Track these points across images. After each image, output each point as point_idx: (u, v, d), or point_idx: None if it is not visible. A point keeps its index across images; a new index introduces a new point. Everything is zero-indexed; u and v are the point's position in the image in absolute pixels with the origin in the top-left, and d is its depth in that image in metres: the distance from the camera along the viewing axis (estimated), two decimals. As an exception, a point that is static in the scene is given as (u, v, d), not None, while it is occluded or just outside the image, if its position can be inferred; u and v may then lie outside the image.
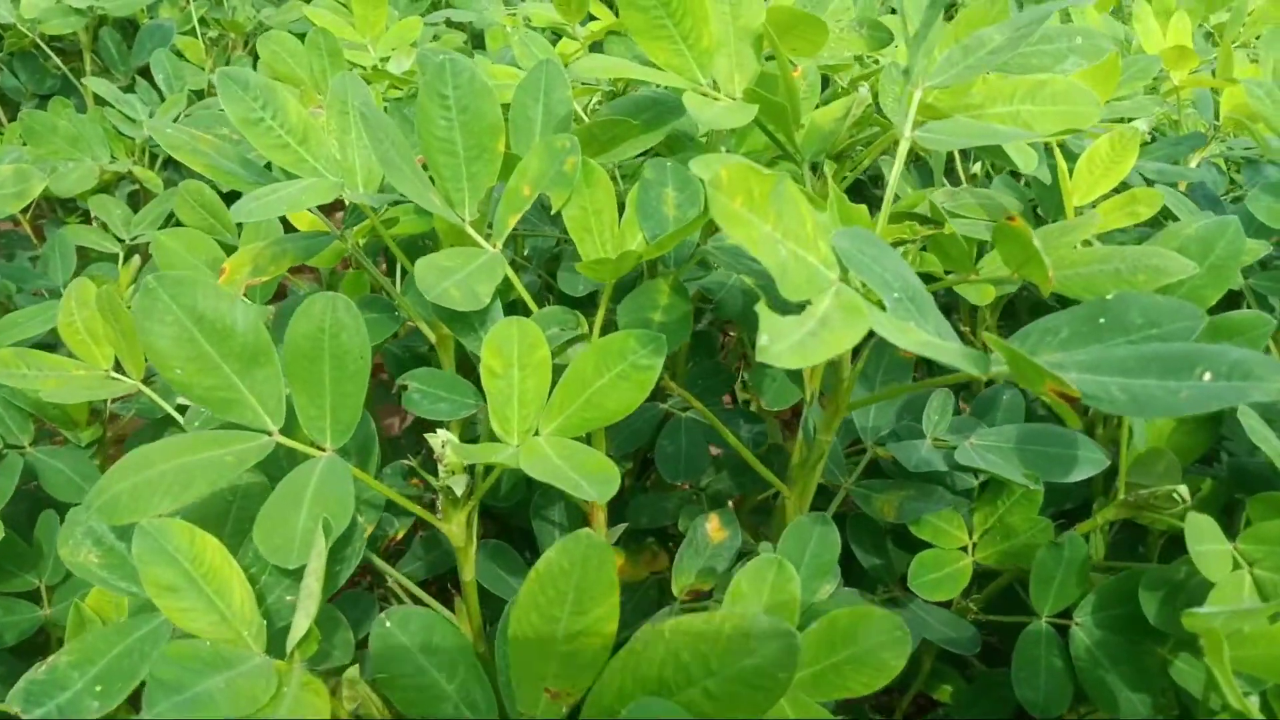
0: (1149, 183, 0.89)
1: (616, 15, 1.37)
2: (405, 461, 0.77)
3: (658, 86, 0.73)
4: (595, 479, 0.45)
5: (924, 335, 0.42)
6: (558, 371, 0.52)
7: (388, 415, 1.25)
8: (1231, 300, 0.83)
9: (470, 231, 0.58)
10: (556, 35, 1.04)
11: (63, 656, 0.43)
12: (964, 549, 0.67)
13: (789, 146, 0.68)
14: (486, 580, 0.68)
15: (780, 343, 0.37)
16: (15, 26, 1.39)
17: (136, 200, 1.34)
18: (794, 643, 0.36)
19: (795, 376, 0.72)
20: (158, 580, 0.41)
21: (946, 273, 0.67)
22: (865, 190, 0.96)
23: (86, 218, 1.37)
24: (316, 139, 0.63)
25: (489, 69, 0.85)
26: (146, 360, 0.69)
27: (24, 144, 1.34)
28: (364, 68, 1.25)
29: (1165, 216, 0.84)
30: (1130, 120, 1.03)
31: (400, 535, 0.77)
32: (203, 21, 1.55)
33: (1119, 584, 0.61)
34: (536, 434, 0.51)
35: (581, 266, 0.56)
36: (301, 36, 1.66)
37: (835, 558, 0.56)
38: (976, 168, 1.05)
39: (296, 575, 0.45)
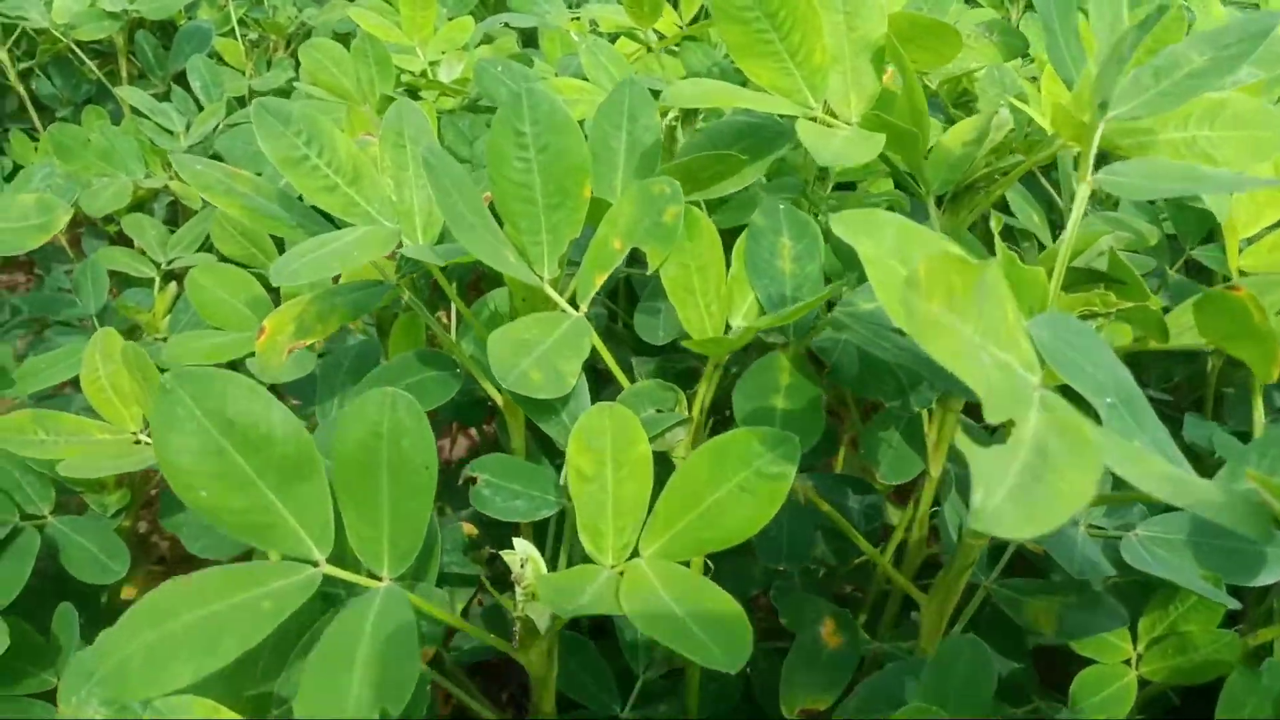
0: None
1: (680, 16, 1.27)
2: (465, 526, 0.69)
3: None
4: (724, 636, 0.35)
5: (1164, 466, 0.32)
6: (659, 469, 0.43)
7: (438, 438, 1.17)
8: None
9: (550, 292, 0.48)
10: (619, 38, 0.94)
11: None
12: (1127, 662, 0.56)
13: (915, 178, 0.58)
14: (564, 686, 0.59)
15: (995, 495, 0.27)
16: (49, 31, 1.32)
17: (176, 215, 1.27)
18: None
19: (917, 442, 0.62)
20: (174, 782, 0.32)
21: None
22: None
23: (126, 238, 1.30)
24: (369, 178, 0.54)
25: (555, 84, 0.76)
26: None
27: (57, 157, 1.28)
28: (412, 73, 1.16)
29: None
30: None
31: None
32: (242, 22, 1.47)
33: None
34: (636, 553, 0.42)
35: (690, 344, 0.46)
36: (346, 38, 1.59)
37: (990, 694, 0.46)
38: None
39: None
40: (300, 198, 0.56)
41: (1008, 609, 0.57)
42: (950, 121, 0.67)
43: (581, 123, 0.74)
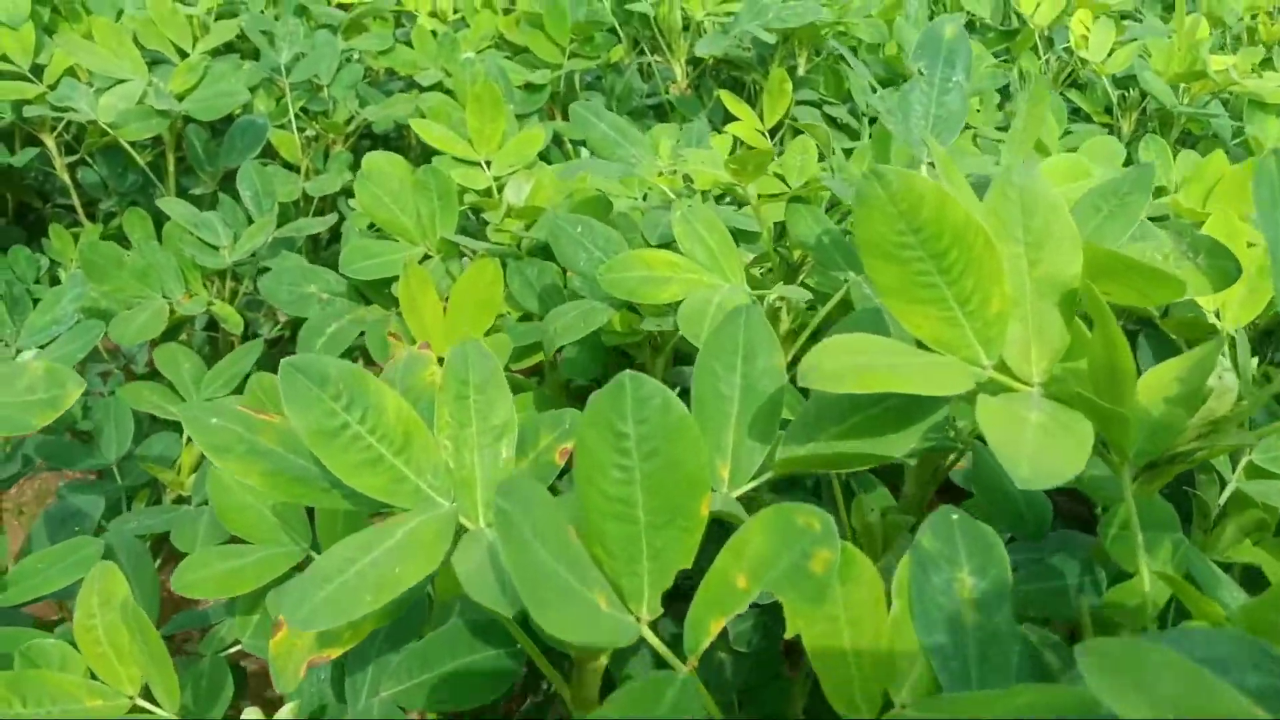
0: None
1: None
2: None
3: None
4: None
5: None
6: None
7: None
8: None
9: (651, 638, 0.37)
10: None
11: None
12: None
13: (1115, 450, 0.45)
14: None
15: None
16: (96, 123, 1.24)
17: (217, 342, 1.18)
18: None
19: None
20: None
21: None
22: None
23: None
24: (421, 441, 0.43)
25: (647, 258, 0.65)
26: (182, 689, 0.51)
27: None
28: (476, 191, 1.07)
29: None
30: None
31: None
32: (301, 114, 1.39)
33: None
34: None
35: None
36: (402, 145, 1.50)
37: None
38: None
39: None
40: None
41: None
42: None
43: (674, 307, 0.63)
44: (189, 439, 0.91)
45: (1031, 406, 0.42)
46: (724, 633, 0.54)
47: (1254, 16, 2.06)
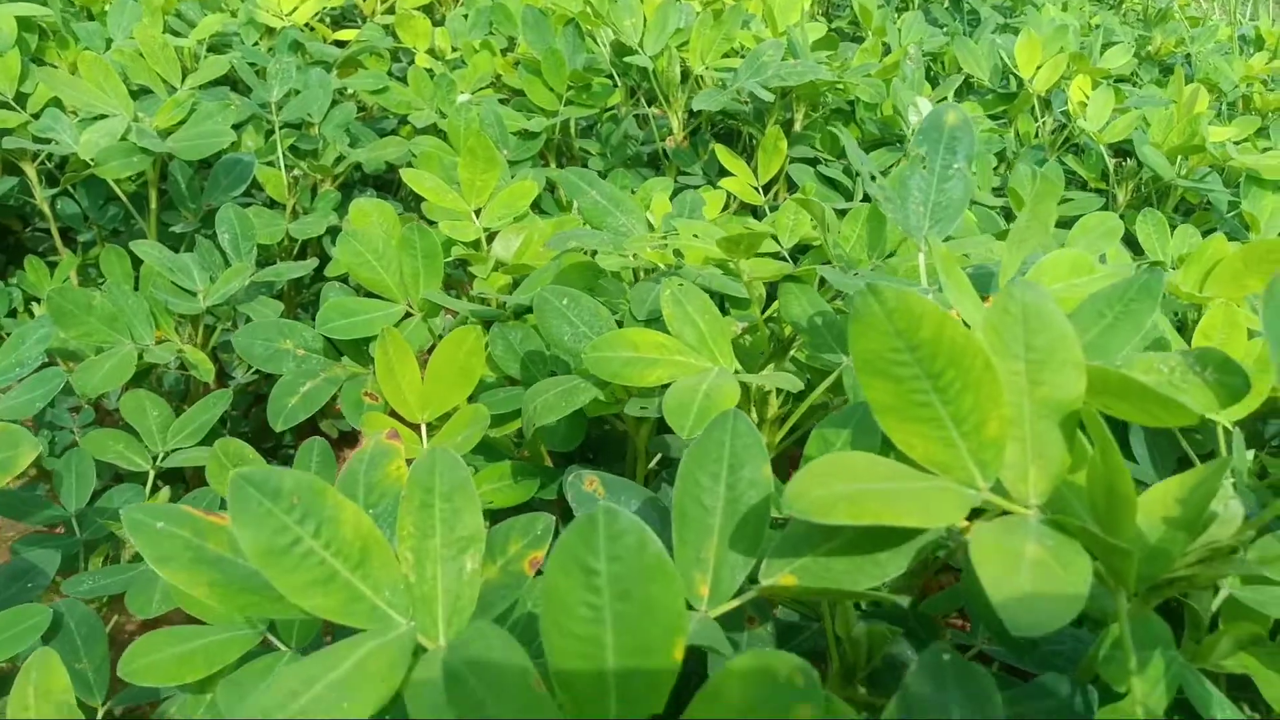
0: None
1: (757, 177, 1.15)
2: None
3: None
4: None
5: None
6: None
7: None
8: None
9: (615, 793, 0.34)
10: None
11: None
12: None
13: (1117, 580, 0.43)
14: None
15: None
16: (76, 156, 1.22)
17: (188, 388, 1.15)
18: None
19: None
20: None
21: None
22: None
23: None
24: (380, 557, 0.40)
25: (632, 337, 0.63)
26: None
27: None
28: (463, 244, 1.04)
29: None
30: None
31: None
32: (292, 149, 1.37)
33: None
34: None
35: None
36: (393, 186, 1.48)
37: None
38: None
39: None
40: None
41: None
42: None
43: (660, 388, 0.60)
44: (153, 489, 0.88)
45: (1028, 536, 0.40)
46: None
47: (1249, 85, 2.07)
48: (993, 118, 1.72)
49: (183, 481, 1.08)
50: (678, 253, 0.78)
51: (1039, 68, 1.62)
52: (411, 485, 0.41)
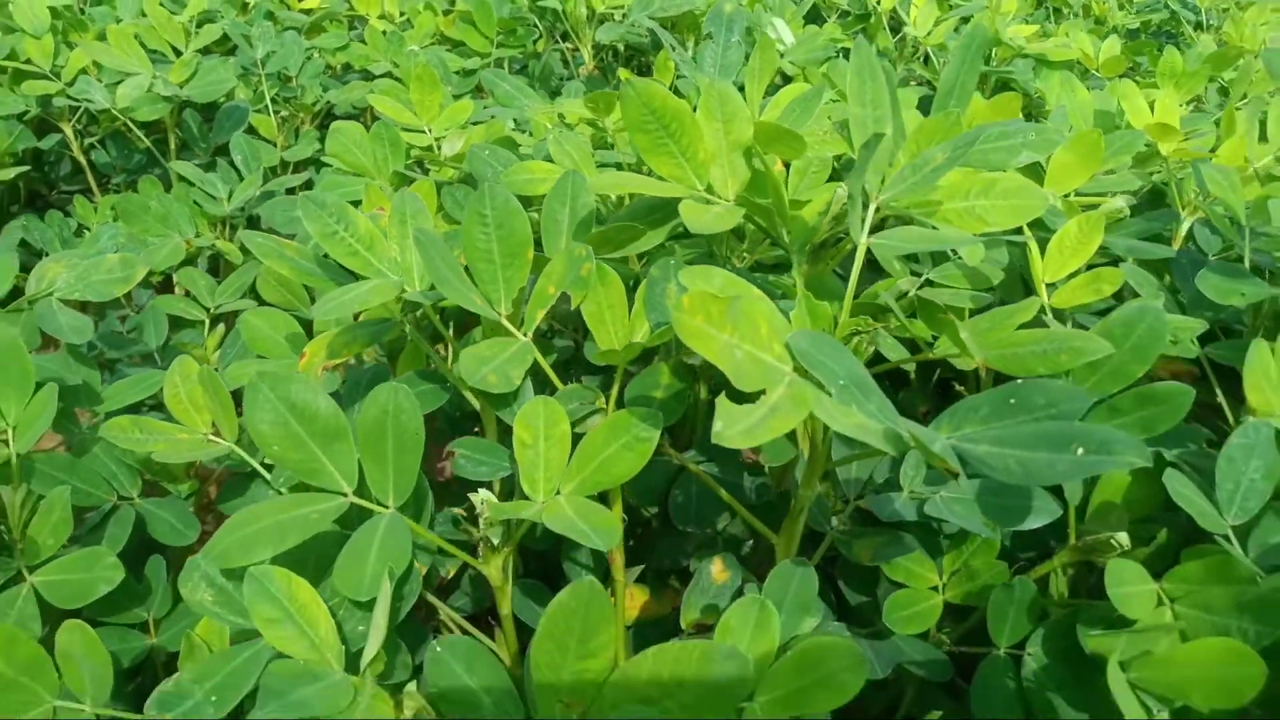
0: (1118, 261, 0.98)
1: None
2: (455, 510, 0.89)
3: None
4: (602, 531, 0.56)
5: (858, 418, 0.53)
6: (577, 440, 0.64)
7: (440, 460, 1.38)
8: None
9: (505, 324, 0.70)
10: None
11: (185, 674, 0.56)
12: (935, 588, 0.77)
13: (778, 238, 0.79)
14: (522, 613, 0.79)
15: (733, 428, 0.48)
16: (109, 111, 1.55)
17: (218, 268, 1.50)
18: (746, 663, 0.47)
19: (790, 436, 0.83)
20: (263, 615, 0.53)
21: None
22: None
23: (168, 281, 1.53)
24: (380, 246, 0.76)
25: (529, 166, 0.98)
26: (241, 427, 0.83)
27: (115, 219, 1.51)
28: (420, 148, 1.39)
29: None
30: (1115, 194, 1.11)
31: (451, 574, 0.89)
32: (275, 100, 1.71)
33: (1064, 620, 0.71)
34: (558, 493, 0.62)
35: (596, 356, 0.68)
36: (365, 115, 1.82)
37: (814, 596, 0.67)
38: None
39: (367, 609, 0.57)
40: (328, 257, 0.78)
41: (842, 549, 0.77)
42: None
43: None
44: (210, 328, 1.22)
45: (715, 206, 0.75)
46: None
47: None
48: (853, 36, 2.07)
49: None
50: (562, 117, 1.13)
51: (884, -10, 1.97)
52: (393, 212, 0.77)
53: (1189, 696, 0.59)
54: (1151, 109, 1.27)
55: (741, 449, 0.92)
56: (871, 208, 0.68)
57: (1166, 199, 1.24)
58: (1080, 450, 0.50)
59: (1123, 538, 0.72)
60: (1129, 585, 0.65)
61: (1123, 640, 0.58)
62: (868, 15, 2.06)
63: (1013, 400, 0.57)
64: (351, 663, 0.55)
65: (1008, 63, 1.83)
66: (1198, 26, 2.42)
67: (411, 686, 0.55)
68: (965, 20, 1.91)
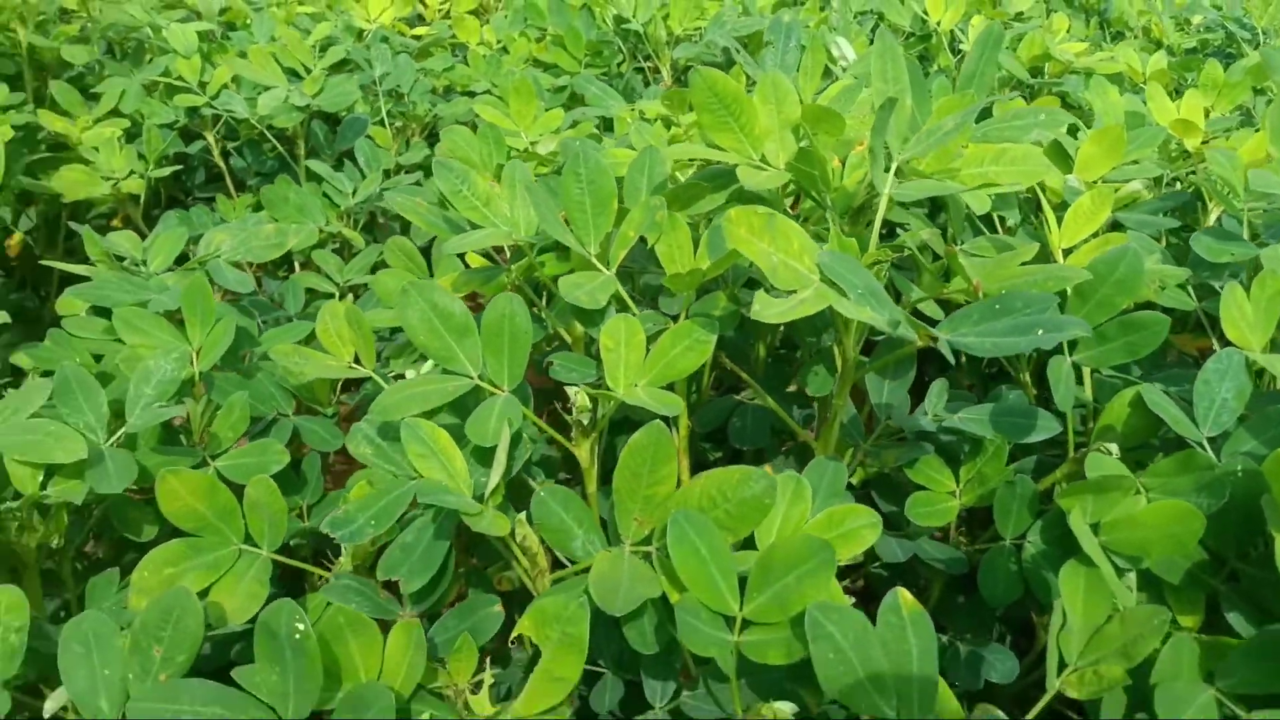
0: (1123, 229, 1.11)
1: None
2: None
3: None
4: (667, 405, 0.72)
5: (867, 311, 0.68)
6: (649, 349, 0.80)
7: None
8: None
9: (594, 261, 0.87)
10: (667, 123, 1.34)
11: (351, 505, 0.74)
12: (952, 493, 0.91)
13: (822, 202, 0.95)
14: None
15: (769, 310, 0.65)
16: (247, 120, 1.79)
17: (342, 253, 1.71)
18: (773, 482, 0.63)
19: (830, 370, 0.98)
20: (414, 451, 0.71)
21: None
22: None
23: (291, 267, 1.75)
24: (495, 203, 0.94)
25: (612, 152, 1.16)
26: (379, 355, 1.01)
27: (254, 212, 1.74)
28: (518, 150, 1.58)
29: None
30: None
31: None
32: (390, 114, 1.93)
33: (1057, 511, 0.84)
34: (635, 386, 0.79)
35: (667, 280, 0.84)
36: (469, 125, 2.03)
37: (843, 485, 0.81)
38: (1011, 220, 1.28)
39: (486, 464, 0.74)
40: (451, 214, 0.96)
41: (871, 458, 0.92)
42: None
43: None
44: (340, 299, 1.43)
45: (766, 171, 0.92)
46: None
47: (1147, 19, 2.55)
48: (920, 58, 2.22)
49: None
50: (641, 113, 1.31)
51: (945, 11, 2.12)
52: (505, 175, 0.95)
53: (1148, 553, 0.73)
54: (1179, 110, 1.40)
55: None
56: (894, 164, 0.84)
57: (1204, 196, 1.36)
58: (1040, 332, 0.64)
59: (1113, 448, 0.85)
60: (1106, 470, 0.78)
61: (1089, 498, 0.72)
62: (928, 36, 2.21)
63: (998, 306, 0.71)
64: (477, 494, 0.72)
65: (1058, 78, 1.96)
66: (1256, 46, 2.50)
67: (521, 516, 0.72)
68: (1019, 39, 2.04)
